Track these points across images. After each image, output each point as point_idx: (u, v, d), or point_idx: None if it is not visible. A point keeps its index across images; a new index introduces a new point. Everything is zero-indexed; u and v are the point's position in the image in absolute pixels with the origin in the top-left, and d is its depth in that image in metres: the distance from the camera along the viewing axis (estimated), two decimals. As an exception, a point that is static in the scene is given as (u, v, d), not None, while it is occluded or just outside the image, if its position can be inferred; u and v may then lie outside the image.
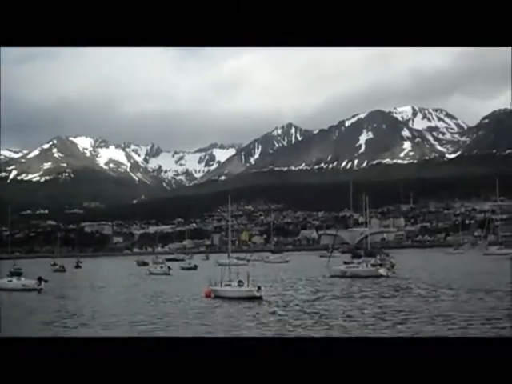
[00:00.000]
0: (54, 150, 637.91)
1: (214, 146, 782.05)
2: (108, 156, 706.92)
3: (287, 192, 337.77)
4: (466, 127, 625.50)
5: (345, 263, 71.83)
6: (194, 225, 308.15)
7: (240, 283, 43.75)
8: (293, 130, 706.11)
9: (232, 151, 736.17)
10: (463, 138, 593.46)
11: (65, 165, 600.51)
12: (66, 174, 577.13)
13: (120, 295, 50.88)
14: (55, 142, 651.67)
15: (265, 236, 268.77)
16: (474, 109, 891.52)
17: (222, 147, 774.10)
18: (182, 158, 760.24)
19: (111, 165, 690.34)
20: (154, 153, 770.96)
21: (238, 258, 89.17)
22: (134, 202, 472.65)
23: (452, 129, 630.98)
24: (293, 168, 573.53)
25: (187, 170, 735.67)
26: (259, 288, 42.76)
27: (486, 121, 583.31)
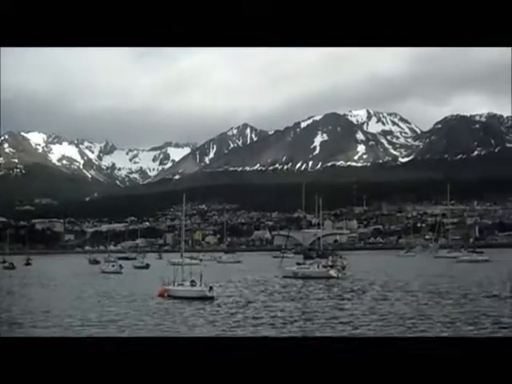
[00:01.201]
0: (6, 145, 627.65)
1: (168, 144, 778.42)
2: (61, 152, 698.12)
3: (241, 192, 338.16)
4: (419, 132, 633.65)
5: (297, 264, 72.09)
6: (147, 223, 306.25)
7: (193, 283, 43.66)
8: (248, 131, 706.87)
9: (187, 150, 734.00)
10: (416, 143, 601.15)
11: (16, 160, 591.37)
12: (18, 170, 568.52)
13: (71, 293, 50.24)
14: (7, 137, 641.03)
15: (218, 236, 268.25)
16: (428, 114, 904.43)
17: (176, 146, 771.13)
18: (136, 156, 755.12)
19: (64, 161, 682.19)
20: (107, 150, 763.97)
21: (190, 258, 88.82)
22: (87, 199, 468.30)
23: (405, 133, 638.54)
24: (247, 168, 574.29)
25: (141, 168, 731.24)
26: (211, 288, 42.73)
27: (439, 126, 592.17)
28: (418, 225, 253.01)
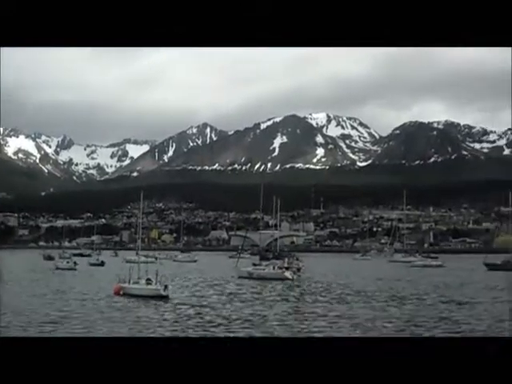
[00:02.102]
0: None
1: (127, 141, 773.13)
2: (17, 146, 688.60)
3: (199, 192, 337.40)
4: (378, 137, 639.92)
5: (253, 265, 72.12)
6: (104, 220, 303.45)
7: (148, 281, 43.37)
8: (208, 130, 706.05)
9: (146, 148, 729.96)
10: (375, 148, 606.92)
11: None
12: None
13: (24, 290, 49.46)
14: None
15: (175, 235, 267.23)
16: (387, 119, 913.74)
17: (135, 143, 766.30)
18: (94, 152, 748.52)
19: (20, 155, 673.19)
20: (65, 145, 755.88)
21: (146, 256, 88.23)
22: (43, 194, 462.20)
23: (364, 137, 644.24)
24: (206, 168, 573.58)
25: (99, 164, 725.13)
26: (166, 287, 42.46)
27: (398, 132, 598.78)
28: (374, 229, 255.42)
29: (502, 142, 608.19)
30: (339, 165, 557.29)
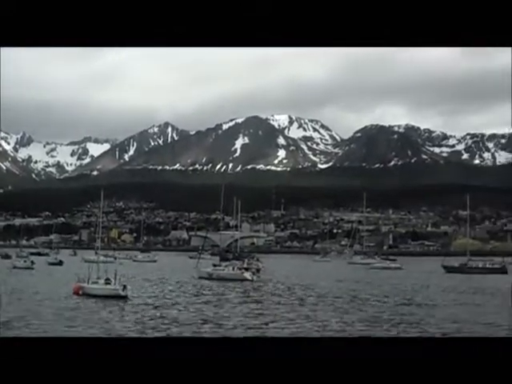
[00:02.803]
0: None
1: (88, 139, 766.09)
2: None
3: (160, 191, 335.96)
4: (339, 139, 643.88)
5: (213, 266, 72.03)
6: (63, 219, 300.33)
7: (107, 281, 43.06)
8: (169, 129, 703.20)
9: (106, 146, 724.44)
10: (336, 150, 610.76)
11: None
12: None
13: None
14: None
15: (135, 234, 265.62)
16: (349, 122, 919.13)
17: (96, 141, 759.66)
18: (53, 150, 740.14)
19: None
20: (24, 142, 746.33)
21: (105, 256, 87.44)
22: (0, 191, 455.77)
23: (326, 140, 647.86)
24: (167, 167, 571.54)
25: (58, 162, 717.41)
26: (125, 287, 42.21)
27: (359, 135, 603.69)
28: (334, 231, 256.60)
29: (461, 146, 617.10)
30: (300, 166, 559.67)
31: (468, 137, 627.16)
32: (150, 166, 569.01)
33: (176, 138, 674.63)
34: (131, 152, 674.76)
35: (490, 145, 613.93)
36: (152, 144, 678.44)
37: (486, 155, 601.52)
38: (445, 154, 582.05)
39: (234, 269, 66.62)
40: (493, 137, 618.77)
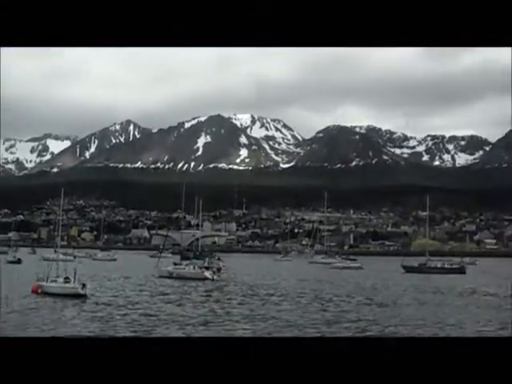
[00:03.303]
0: None
1: (48, 136, 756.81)
2: None
3: (121, 189, 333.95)
4: (301, 139, 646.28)
5: (174, 264, 71.79)
6: (21, 217, 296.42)
7: (66, 280, 42.62)
8: (131, 127, 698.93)
9: (67, 143, 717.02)
10: (298, 150, 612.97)
11: None
12: None
13: None
14: None
15: (95, 233, 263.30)
16: (311, 122, 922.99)
17: (56, 138, 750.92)
18: (13, 146, 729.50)
19: None
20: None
21: (65, 254, 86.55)
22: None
23: (288, 140, 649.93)
24: (128, 165, 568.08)
25: (18, 159, 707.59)
26: (84, 285, 41.84)
27: (321, 135, 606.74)
28: (296, 230, 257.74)
29: (422, 148, 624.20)
30: (262, 166, 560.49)
31: (428, 138, 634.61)
32: (111, 164, 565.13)
33: (138, 136, 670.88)
34: (92, 149, 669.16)
35: (450, 147, 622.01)
36: (113, 142, 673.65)
37: (446, 157, 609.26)
38: (405, 155, 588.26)
39: (194, 268, 66.48)
40: (453, 139, 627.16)
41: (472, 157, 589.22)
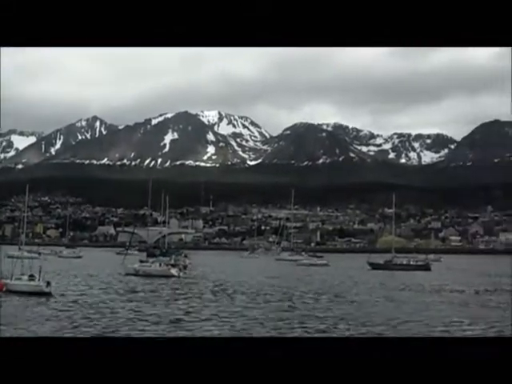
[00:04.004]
0: None
1: (12, 132, 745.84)
2: None
3: (87, 186, 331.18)
4: (268, 136, 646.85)
5: (140, 262, 71.50)
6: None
7: (31, 277, 42.19)
8: (98, 124, 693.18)
9: (32, 139, 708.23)
10: (265, 147, 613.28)
11: None
12: None
13: None
14: None
15: (61, 230, 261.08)
16: (278, 119, 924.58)
17: (21, 134, 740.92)
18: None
19: None
20: None
21: (29, 251, 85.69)
22: None
23: (255, 137, 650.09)
24: (95, 162, 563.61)
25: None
26: (48, 283, 41.46)
27: (288, 132, 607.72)
28: (263, 227, 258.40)
29: (388, 145, 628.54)
30: (230, 163, 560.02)
31: (395, 136, 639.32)
32: (77, 161, 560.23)
33: (104, 133, 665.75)
34: (58, 146, 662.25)
35: (416, 145, 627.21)
36: (79, 138, 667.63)
37: (412, 155, 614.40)
38: (372, 153, 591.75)
39: (160, 265, 66.32)
40: (419, 137, 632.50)
41: (437, 155, 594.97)
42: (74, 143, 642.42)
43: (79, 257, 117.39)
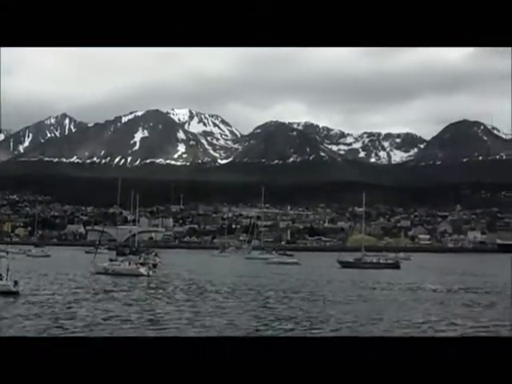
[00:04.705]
0: None
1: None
2: None
3: (56, 184, 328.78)
4: (239, 135, 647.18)
5: (110, 260, 71.12)
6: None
7: (-2, 276, 41.74)
8: (67, 121, 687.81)
9: (0, 137, 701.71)
10: (236, 146, 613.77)
11: None
12: None
13: None
14: None
15: (29, 228, 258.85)
16: (249, 118, 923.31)
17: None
18: None
19: None
20: None
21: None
22: None
23: (226, 135, 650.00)
24: (64, 160, 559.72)
25: None
26: (16, 283, 41.01)
27: (259, 131, 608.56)
28: (233, 226, 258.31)
29: (358, 144, 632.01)
30: (200, 161, 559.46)
31: (365, 135, 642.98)
32: (46, 158, 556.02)
33: (74, 130, 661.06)
34: (26, 143, 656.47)
35: (386, 144, 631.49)
36: (48, 135, 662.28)
37: (382, 154, 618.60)
38: (342, 152, 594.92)
39: (129, 264, 65.97)
40: (388, 136, 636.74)
41: (407, 154, 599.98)
42: (42, 141, 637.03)
43: (48, 255, 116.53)
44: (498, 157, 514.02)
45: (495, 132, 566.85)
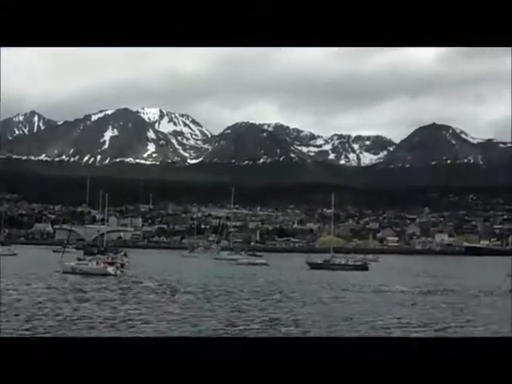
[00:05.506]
0: None
1: None
2: None
3: (24, 182, 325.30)
4: (209, 135, 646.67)
5: (78, 260, 70.65)
6: None
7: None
8: (36, 119, 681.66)
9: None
10: (206, 146, 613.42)
11: None
12: None
13: None
14: None
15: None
16: (220, 118, 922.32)
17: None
18: None
19: None
20: None
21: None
22: None
23: (196, 135, 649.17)
24: (32, 158, 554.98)
25: None
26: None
27: (229, 131, 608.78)
28: (203, 226, 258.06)
29: (328, 146, 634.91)
30: (170, 161, 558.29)
31: (335, 137, 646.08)
32: (14, 156, 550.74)
33: (42, 128, 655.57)
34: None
35: (356, 146, 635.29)
36: (17, 133, 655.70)
37: (352, 156, 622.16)
38: (312, 154, 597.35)
39: (97, 263, 65.58)
40: (358, 138, 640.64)
41: (376, 156, 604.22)
42: (10, 138, 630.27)
43: (14, 254, 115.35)
44: (465, 160, 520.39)
45: (463, 136, 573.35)
